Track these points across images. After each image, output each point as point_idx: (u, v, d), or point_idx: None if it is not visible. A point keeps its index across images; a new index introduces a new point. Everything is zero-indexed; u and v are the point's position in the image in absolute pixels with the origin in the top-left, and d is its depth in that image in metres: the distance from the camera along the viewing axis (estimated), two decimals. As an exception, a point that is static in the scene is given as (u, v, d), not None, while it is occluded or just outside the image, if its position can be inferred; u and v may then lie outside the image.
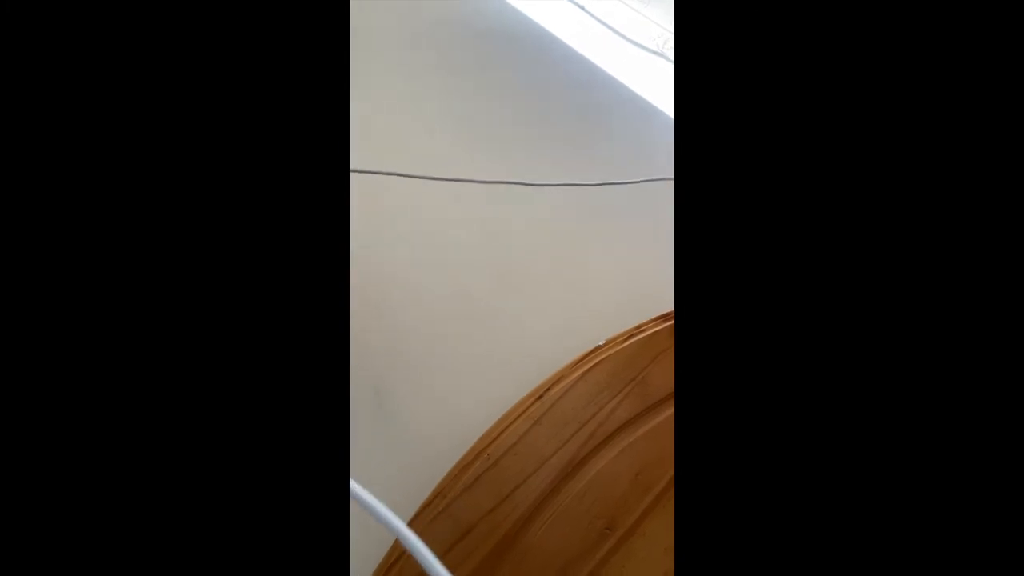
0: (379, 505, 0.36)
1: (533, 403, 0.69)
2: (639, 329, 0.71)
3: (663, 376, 0.69)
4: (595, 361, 0.70)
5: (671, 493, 0.69)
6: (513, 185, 0.73)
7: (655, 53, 0.71)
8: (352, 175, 0.62)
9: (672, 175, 0.66)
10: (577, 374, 0.70)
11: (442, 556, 0.66)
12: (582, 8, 0.73)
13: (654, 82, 0.73)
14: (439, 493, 0.67)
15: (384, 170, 0.72)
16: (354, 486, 0.35)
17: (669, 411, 0.69)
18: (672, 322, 0.71)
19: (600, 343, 0.71)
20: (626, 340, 0.71)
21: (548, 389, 0.69)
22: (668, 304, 0.71)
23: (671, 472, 0.69)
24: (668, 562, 0.68)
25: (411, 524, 0.67)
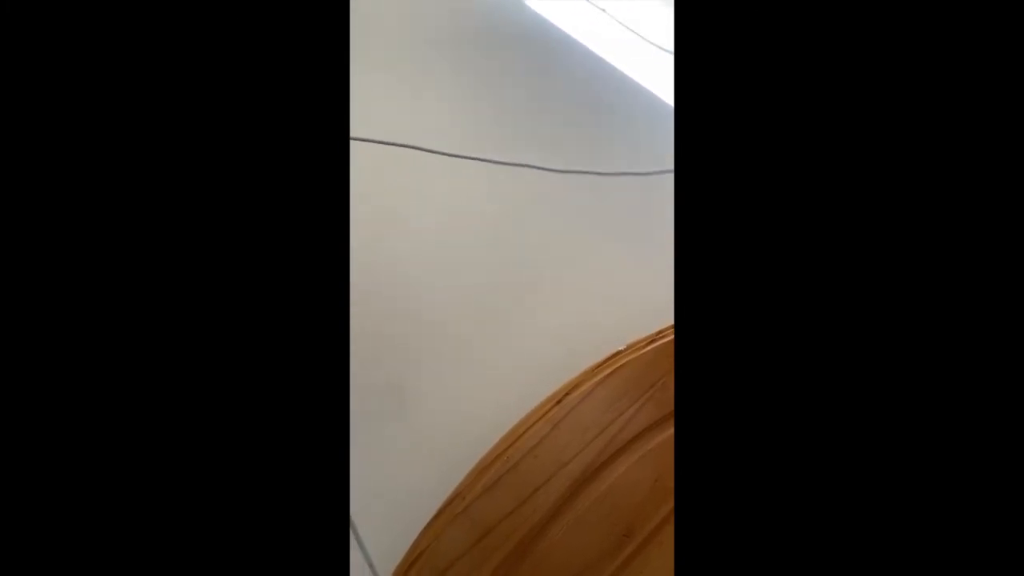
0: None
1: (553, 407, 0.69)
2: (660, 334, 0.71)
3: (684, 382, 0.68)
4: (615, 366, 0.70)
5: (690, 500, 0.68)
6: (527, 169, 0.73)
7: (667, 51, 0.72)
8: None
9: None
10: (597, 379, 0.69)
11: (460, 557, 0.66)
12: (593, 4, 0.73)
13: (666, 79, 0.74)
14: (458, 495, 0.68)
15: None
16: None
17: (689, 417, 0.69)
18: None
19: (621, 347, 0.71)
20: (647, 345, 0.71)
21: (568, 393, 0.69)
22: (690, 310, 0.71)
23: (691, 479, 0.68)
24: (687, 570, 0.67)
25: (430, 525, 0.67)
